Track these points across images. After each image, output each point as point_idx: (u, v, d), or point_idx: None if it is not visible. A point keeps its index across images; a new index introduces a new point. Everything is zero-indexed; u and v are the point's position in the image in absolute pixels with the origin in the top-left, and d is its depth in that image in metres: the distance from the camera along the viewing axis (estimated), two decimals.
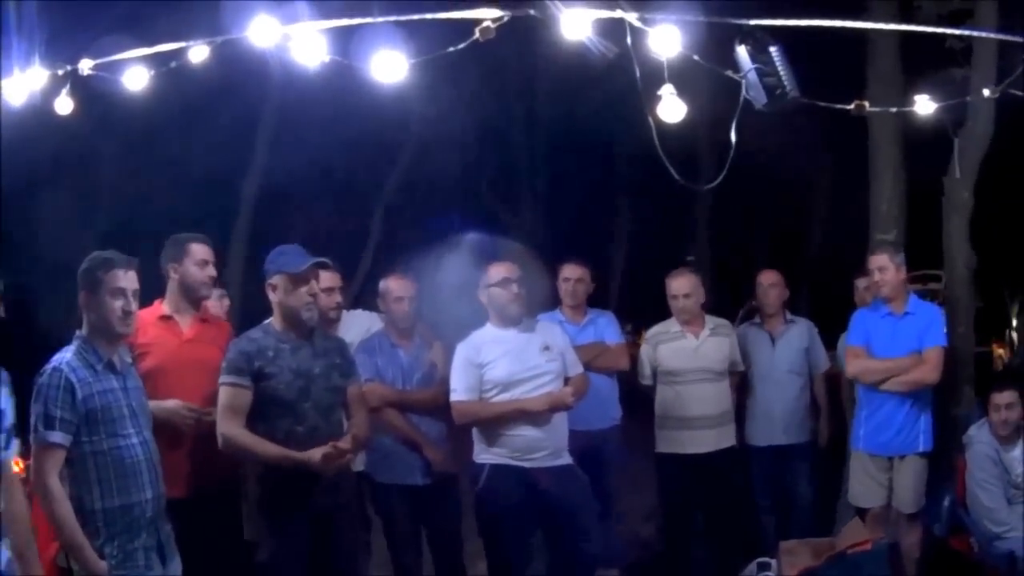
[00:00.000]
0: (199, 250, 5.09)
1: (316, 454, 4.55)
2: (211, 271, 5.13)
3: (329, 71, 4.60)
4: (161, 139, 11.77)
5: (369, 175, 15.20)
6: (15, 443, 3.46)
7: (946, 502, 6.35)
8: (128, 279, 4.19)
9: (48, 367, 4.02)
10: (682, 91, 4.12)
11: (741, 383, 6.90)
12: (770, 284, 7.01)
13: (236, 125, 13.07)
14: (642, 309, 7.04)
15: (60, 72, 6.03)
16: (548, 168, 15.78)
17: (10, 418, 3.36)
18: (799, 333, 6.98)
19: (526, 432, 5.40)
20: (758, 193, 16.02)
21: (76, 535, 3.80)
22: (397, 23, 4.17)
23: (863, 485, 6.26)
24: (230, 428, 4.62)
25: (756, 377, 6.92)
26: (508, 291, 5.53)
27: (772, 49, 4.09)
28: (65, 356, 4.08)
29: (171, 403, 4.71)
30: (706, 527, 6.52)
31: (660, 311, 6.71)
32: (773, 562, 6.00)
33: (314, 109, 11.75)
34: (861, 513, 6.25)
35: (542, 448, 5.44)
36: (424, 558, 5.88)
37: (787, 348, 6.91)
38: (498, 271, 5.59)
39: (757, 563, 6.03)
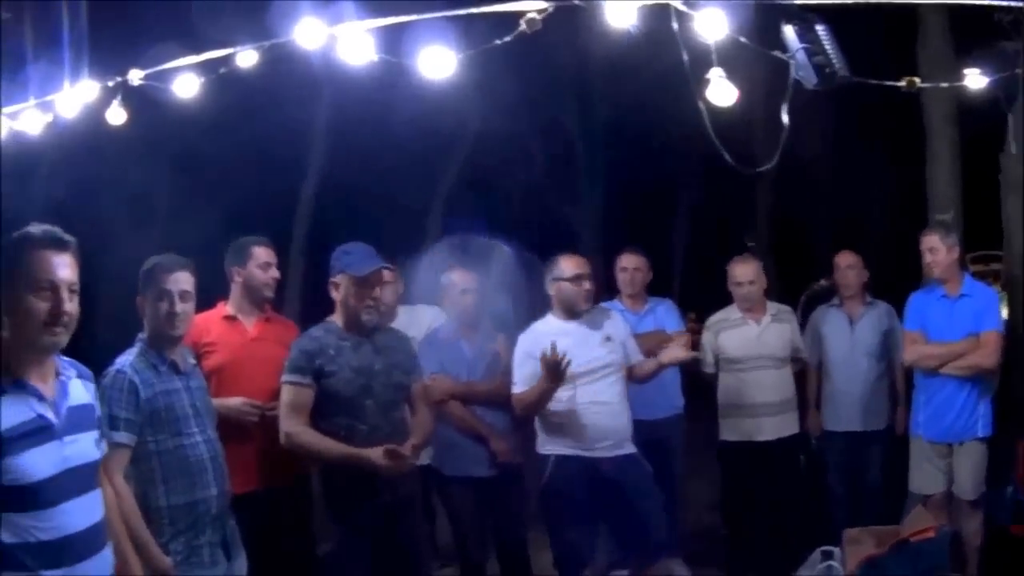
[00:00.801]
0: (262, 253, 5.17)
1: (378, 451, 4.54)
2: (274, 273, 5.21)
3: (382, 69, 4.63)
4: (218, 144, 11.89)
5: (425, 170, 15.29)
6: (103, 443, 3.46)
7: (1009, 488, 6.24)
8: (174, 281, 4.19)
9: (111, 369, 4.06)
10: (732, 74, 4.10)
11: (819, 367, 6.89)
12: (848, 265, 6.88)
13: (292, 127, 13.21)
14: (705, 295, 7.00)
15: (110, 83, 6.12)
16: (605, 156, 15.67)
17: (98, 412, 3.34)
18: (879, 316, 6.84)
19: (590, 421, 5.39)
20: (818, 176, 15.85)
21: (141, 532, 3.82)
22: (443, 19, 4.18)
23: (923, 472, 6.17)
24: (292, 426, 4.65)
25: (833, 360, 6.84)
26: (580, 287, 5.53)
27: (819, 28, 4.05)
28: (128, 358, 4.13)
29: (235, 400, 4.79)
30: (770, 515, 6.45)
31: (723, 297, 6.67)
32: (837, 550, 5.94)
33: (368, 107, 11.82)
34: (925, 500, 6.17)
35: (606, 438, 5.44)
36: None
37: (867, 331, 6.79)
38: (571, 266, 5.59)
39: (821, 551, 5.98)
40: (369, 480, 4.62)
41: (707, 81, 4.10)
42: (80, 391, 3.20)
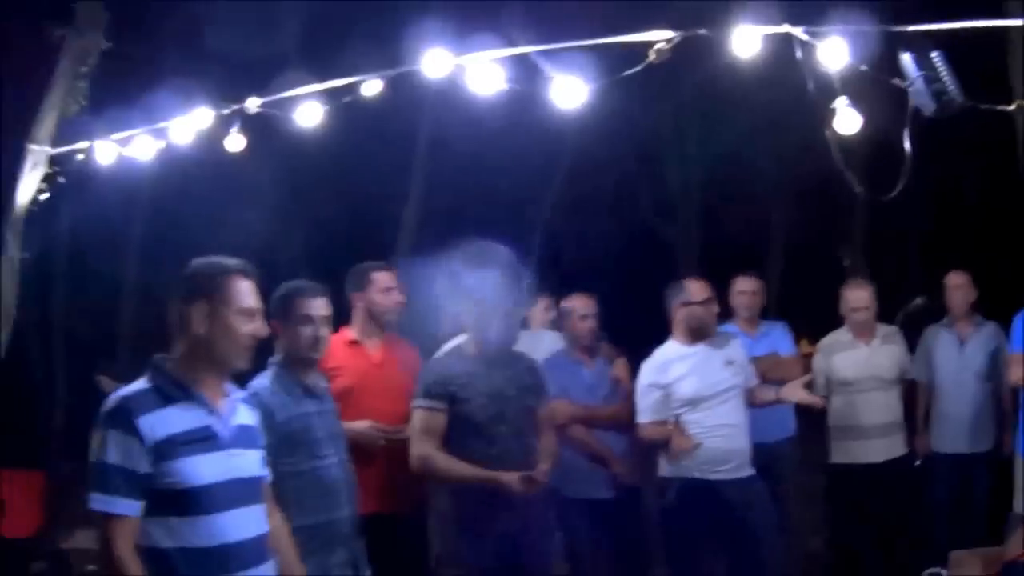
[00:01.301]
0: (382, 278, 5.22)
1: (514, 476, 4.54)
2: (396, 296, 5.23)
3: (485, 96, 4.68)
4: (323, 169, 12.11)
5: (526, 193, 15.42)
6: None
7: None
8: (316, 306, 4.32)
9: (246, 393, 4.16)
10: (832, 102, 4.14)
11: (928, 388, 6.85)
12: (957, 285, 6.83)
13: (393, 152, 13.39)
14: (800, 315, 7.03)
15: (226, 111, 6.26)
16: (702, 178, 15.61)
17: (263, 437, 3.47)
18: (988, 336, 6.77)
19: (715, 445, 5.43)
20: (909, 194, 15.63)
21: None
22: (569, 48, 4.25)
23: None
24: (425, 450, 4.67)
25: (942, 381, 6.80)
26: (709, 310, 5.60)
27: (934, 55, 4.07)
28: (262, 382, 4.24)
29: (361, 424, 4.83)
30: (877, 537, 6.44)
31: (819, 316, 6.67)
32: (944, 572, 5.90)
33: (469, 131, 11.94)
34: None
35: (729, 461, 5.48)
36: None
37: (977, 351, 6.74)
38: (700, 290, 5.63)
39: (928, 573, 5.95)
40: (497, 504, 4.62)
41: (833, 111, 4.16)
42: (246, 413, 3.33)
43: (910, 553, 6.33)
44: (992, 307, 6.90)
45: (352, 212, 13.57)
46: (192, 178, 9.91)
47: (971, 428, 6.68)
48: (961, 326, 6.83)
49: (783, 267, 16.13)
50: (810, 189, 14.28)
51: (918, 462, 6.87)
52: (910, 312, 7.28)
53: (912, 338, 7.01)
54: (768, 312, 6.97)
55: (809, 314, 7.20)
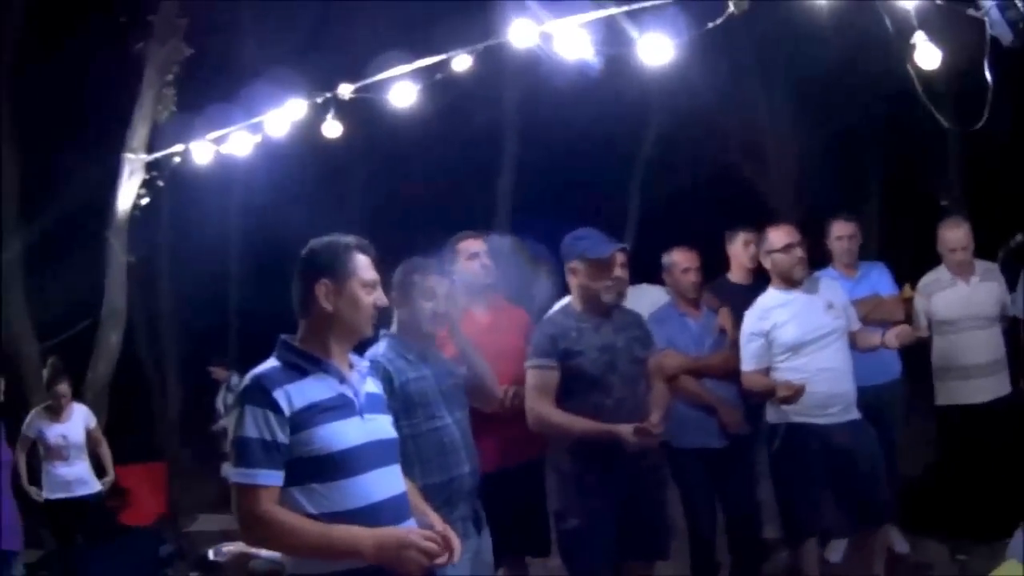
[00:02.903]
0: (464, 246, 5.38)
1: (628, 428, 4.68)
2: (480, 261, 5.35)
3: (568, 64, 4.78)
4: (418, 144, 12.32)
5: (619, 152, 15.49)
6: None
7: None
8: (440, 283, 4.53)
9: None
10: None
11: None
12: None
13: (484, 123, 13.56)
14: (901, 257, 6.98)
15: (319, 100, 6.47)
16: (791, 122, 15.44)
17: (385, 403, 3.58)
18: None
19: (819, 389, 5.43)
20: (1004, 127, 15.26)
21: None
22: (651, 7, 4.35)
23: None
24: (541, 408, 4.85)
25: None
26: (792, 256, 5.59)
27: None
28: (378, 350, 4.43)
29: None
30: (988, 478, 6.38)
31: (920, 258, 6.62)
32: None
33: (555, 98, 12.04)
34: None
35: (835, 404, 5.50)
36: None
37: None
38: (780, 236, 5.65)
39: None
40: (613, 456, 4.78)
41: (912, 46, 4.21)
42: (372, 382, 3.50)
43: (1019, 494, 6.28)
44: None
45: (447, 188, 13.79)
46: (288, 167, 10.19)
47: None
48: None
49: (880, 209, 15.89)
50: (904, 129, 14.10)
51: None
52: (1012, 249, 7.15)
53: (1014, 276, 6.95)
54: (868, 255, 6.90)
55: (910, 256, 7.14)
